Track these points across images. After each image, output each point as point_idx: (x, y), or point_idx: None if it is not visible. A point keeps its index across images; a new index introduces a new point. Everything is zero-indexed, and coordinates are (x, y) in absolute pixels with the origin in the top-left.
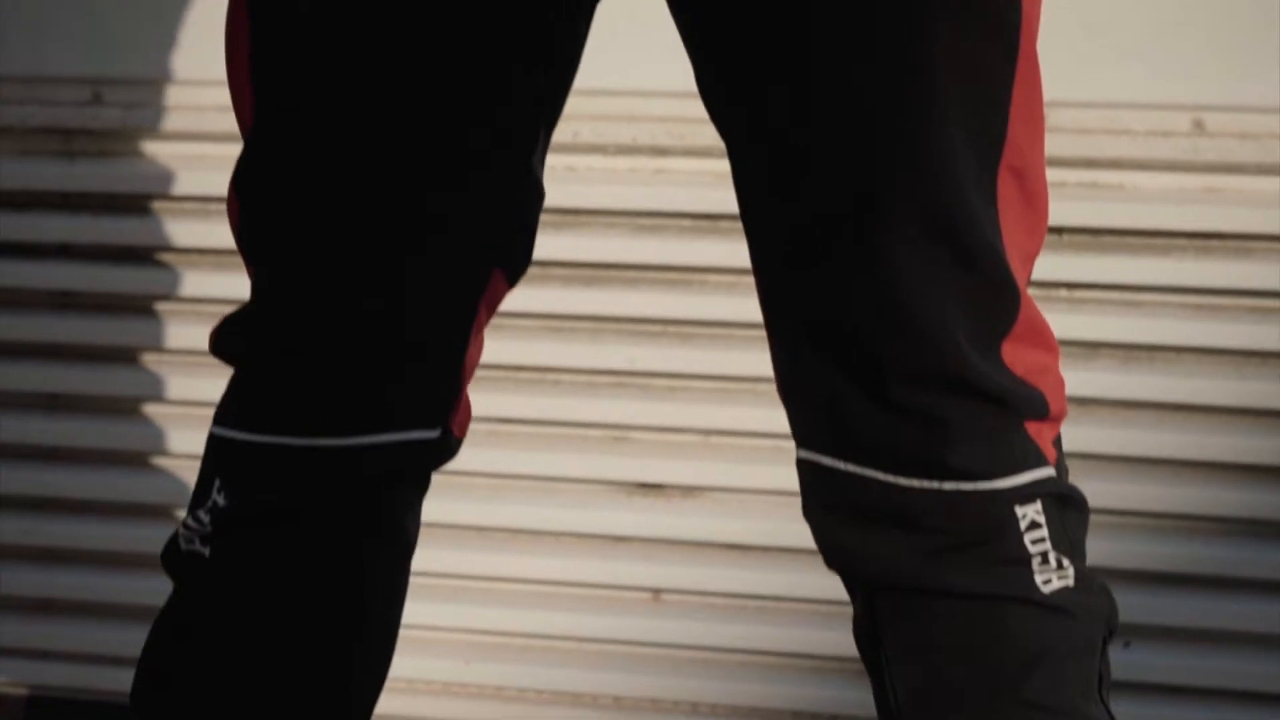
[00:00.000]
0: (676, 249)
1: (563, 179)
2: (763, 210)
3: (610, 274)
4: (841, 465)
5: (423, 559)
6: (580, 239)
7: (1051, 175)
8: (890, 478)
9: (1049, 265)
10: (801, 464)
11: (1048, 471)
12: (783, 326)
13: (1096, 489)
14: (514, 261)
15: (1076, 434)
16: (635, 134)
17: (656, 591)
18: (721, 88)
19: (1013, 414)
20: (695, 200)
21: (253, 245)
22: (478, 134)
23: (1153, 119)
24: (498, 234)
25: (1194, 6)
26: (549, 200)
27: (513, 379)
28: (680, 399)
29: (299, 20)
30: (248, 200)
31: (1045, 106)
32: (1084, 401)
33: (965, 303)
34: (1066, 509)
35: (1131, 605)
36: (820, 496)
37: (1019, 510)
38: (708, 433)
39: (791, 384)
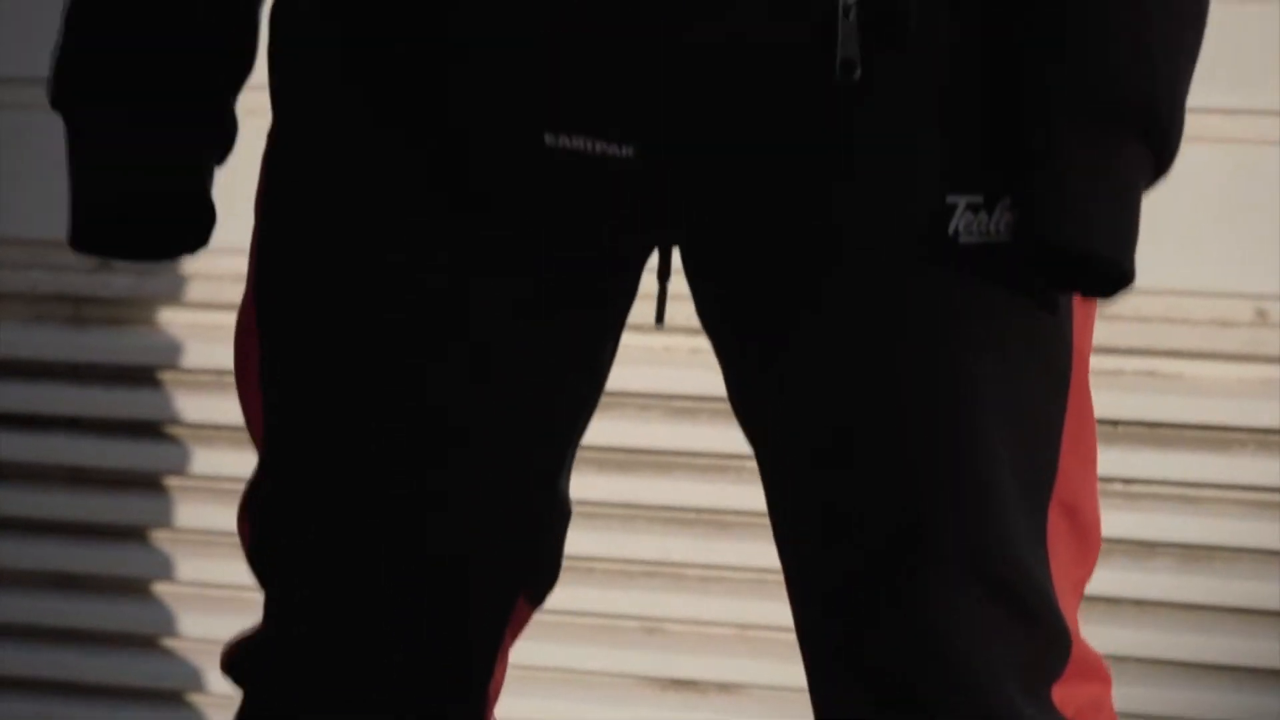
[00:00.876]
0: (712, 434)
1: None
2: (801, 548)
3: (643, 459)
4: None
5: None
6: (613, 422)
7: (1108, 363)
8: None
9: (1104, 459)
10: None
11: None
12: (822, 664)
13: (1152, 695)
14: (539, 585)
15: (1132, 638)
16: (670, 312)
17: None
18: (756, 411)
19: None
20: None
21: (264, 571)
22: (499, 468)
23: (1214, 308)
24: (522, 564)
25: (1257, 194)
26: None
27: None
28: (716, 591)
29: (312, 344)
30: (258, 525)
31: None
32: (1140, 603)
33: (1015, 652)
34: None
35: None
36: None
37: None
38: (744, 627)
39: None
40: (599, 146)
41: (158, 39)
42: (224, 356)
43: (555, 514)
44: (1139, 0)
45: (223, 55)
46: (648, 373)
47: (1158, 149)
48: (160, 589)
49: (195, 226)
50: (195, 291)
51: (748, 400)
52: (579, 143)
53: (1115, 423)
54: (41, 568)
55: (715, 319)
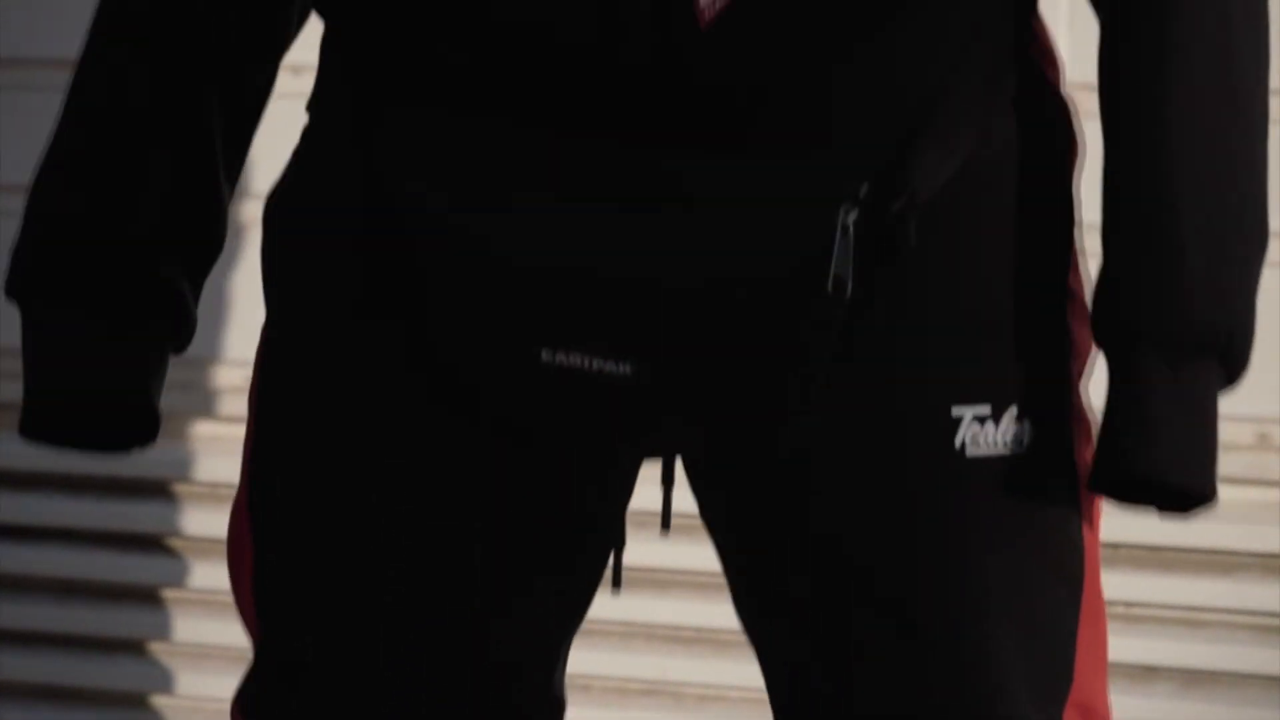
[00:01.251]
0: (710, 553)
1: None
2: None
3: (641, 577)
4: None
5: None
6: None
7: None
8: None
9: (1105, 582)
10: None
11: None
12: None
13: None
14: None
15: None
16: None
17: None
18: (759, 615)
19: None
20: None
21: None
22: (493, 676)
23: None
24: None
25: (1260, 316)
26: None
27: None
28: (713, 711)
29: (305, 552)
30: None
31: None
32: None
33: None
34: None
35: None
36: None
37: None
38: None
39: None
40: (596, 364)
41: (119, 238)
42: (222, 469)
43: (550, 712)
44: (1212, 235)
45: (185, 254)
46: (645, 491)
47: (1231, 366)
48: (158, 702)
49: (142, 425)
50: (191, 403)
51: (750, 603)
52: (576, 359)
53: (1117, 545)
54: (35, 680)
55: (719, 525)
